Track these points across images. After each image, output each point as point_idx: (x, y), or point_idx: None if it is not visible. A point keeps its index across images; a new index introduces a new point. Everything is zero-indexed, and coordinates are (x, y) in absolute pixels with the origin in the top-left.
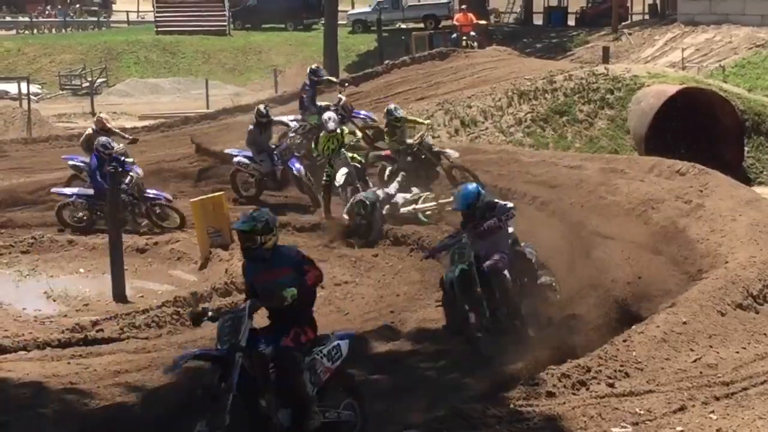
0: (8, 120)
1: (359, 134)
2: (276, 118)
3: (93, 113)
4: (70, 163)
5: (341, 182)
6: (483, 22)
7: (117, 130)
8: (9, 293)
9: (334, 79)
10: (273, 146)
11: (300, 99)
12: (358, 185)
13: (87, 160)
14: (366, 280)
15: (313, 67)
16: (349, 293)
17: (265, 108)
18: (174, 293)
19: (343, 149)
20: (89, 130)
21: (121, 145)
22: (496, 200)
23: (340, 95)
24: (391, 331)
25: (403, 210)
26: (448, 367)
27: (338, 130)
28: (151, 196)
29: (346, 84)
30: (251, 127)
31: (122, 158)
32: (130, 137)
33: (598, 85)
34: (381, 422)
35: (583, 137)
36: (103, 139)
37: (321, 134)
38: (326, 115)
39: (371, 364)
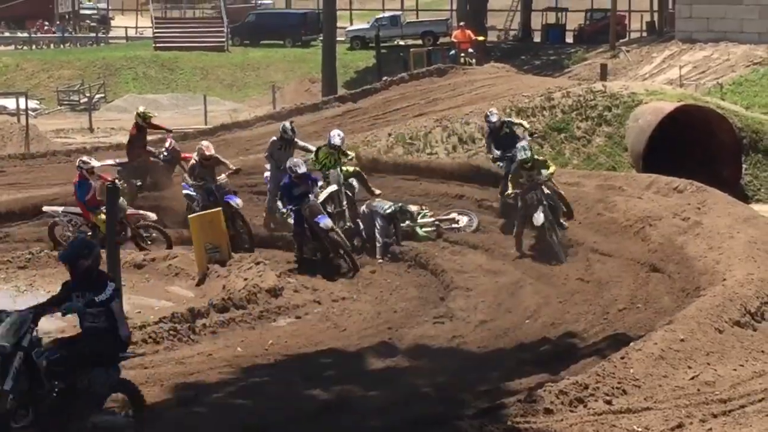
0: (6, 135)
1: (351, 154)
2: (301, 143)
3: (91, 129)
4: (184, 192)
5: (323, 198)
6: (481, 38)
7: (223, 160)
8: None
9: (524, 124)
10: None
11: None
12: (344, 206)
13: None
14: (364, 297)
15: (487, 112)
16: (347, 309)
17: (290, 124)
18: (171, 309)
19: (339, 167)
20: (192, 161)
21: (223, 176)
22: None
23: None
24: (388, 348)
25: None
26: (446, 383)
27: (342, 147)
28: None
29: (535, 134)
30: (274, 138)
31: (224, 189)
32: (234, 167)
33: (595, 102)
34: None
35: (581, 154)
36: (294, 160)
37: (323, 146)
38: (334, 131)
39: (368, 380)
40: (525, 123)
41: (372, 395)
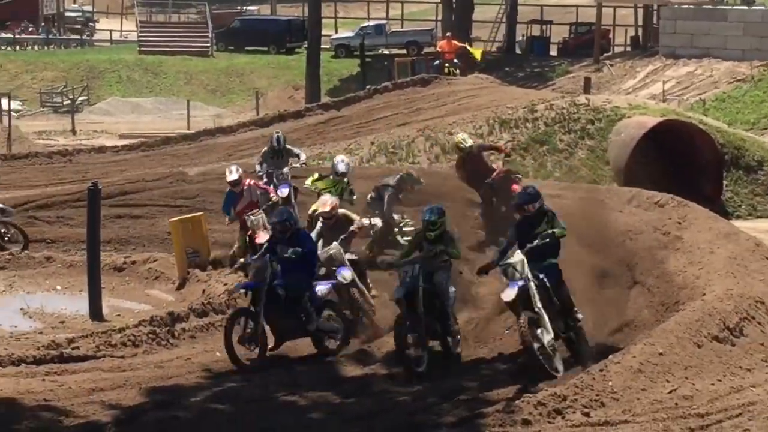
0: None
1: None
2: (295, 150)
3: (74, 131)
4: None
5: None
6: (466, 45)
7: (350, 215)
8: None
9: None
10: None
11: None
12: None
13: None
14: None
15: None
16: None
17: (279, 134)
18: (151, 313)
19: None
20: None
21: (335, 245)
22: None
23: None
24: (366, 356)
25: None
26: (424, 392)
27: (349, 173)
28: None
29: None
30: (265, 149)
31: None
32: (357, 225)
33: (579, 115)
34: None
35: (563, 167)
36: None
37: (330, 176)
38: (338, 157)
39: (346, 388)
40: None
41: (350, 402)
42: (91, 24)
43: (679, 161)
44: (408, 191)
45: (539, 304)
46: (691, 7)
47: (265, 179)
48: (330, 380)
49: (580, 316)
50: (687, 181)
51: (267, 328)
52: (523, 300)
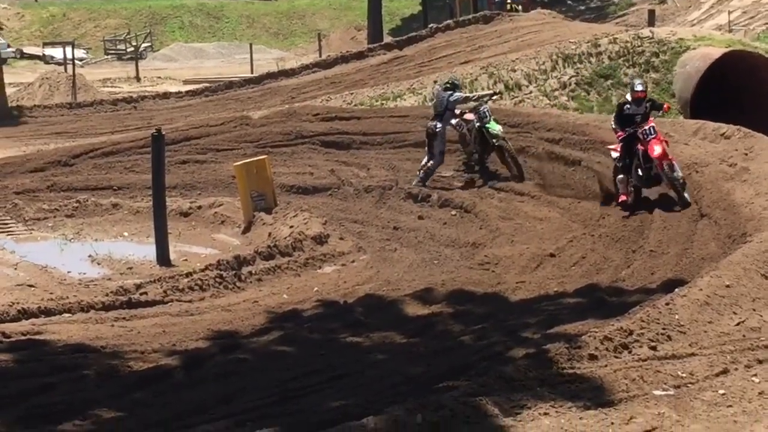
0: (53, 85)
1: None
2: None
3: (138, 78)
4: None
5: None
6: None
7: None
8: (54, 257)
9: None
10: None
11: None
12: None
13: None
14: (409, 243)
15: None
16: (392, 257)
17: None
18: (217, 257)
19: None
20: None
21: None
22: None
23: None
24: (432, 294)
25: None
26: (489, 329)
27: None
28: None
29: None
30: None
31: None
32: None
33: (643, 49)
34: (418, 385)
35: None
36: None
37: None
38: None
39: (411, 327)
40: None
41: (412, 342)
42: None
43: (745, 92)
44: None
45: None
46: None
47: None
48: (394, 320)
49: None
50: (753, 112)
51: None
52: None
